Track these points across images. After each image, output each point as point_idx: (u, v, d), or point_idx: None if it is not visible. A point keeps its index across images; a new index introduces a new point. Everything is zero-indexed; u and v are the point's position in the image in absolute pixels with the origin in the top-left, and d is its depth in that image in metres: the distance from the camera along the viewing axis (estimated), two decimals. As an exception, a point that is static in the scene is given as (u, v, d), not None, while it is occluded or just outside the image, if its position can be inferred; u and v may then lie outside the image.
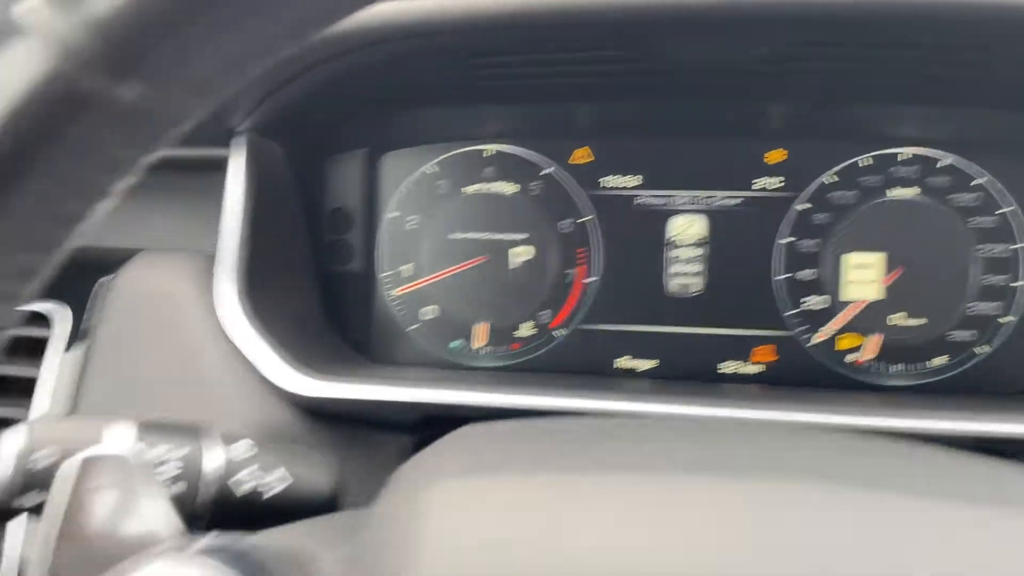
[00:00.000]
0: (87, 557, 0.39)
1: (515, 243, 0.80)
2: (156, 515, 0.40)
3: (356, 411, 0.67)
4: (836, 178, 0.75)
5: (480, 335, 0.81)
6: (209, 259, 0.73)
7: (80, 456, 0.40)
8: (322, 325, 0.79)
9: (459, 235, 0.81)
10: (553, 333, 0.79)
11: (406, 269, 0.81)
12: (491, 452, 0.38)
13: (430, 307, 0.81)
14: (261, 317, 0.69)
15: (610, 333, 0.79)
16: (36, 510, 0.45)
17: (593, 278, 0.79)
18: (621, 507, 0.33)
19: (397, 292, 0.82)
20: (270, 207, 0.74)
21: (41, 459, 0.45)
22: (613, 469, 0.36)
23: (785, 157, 0.76)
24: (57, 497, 0.39)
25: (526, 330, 0.80)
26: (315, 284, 0.80)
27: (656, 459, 0.37)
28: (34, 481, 0.45)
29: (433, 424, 0.64)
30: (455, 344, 0.81)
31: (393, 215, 0.81)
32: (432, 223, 0.81)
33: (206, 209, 0.75)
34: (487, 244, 0.80)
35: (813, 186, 0.75)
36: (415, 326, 0.81)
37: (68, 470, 0.39)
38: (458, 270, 0.81)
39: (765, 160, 0.76)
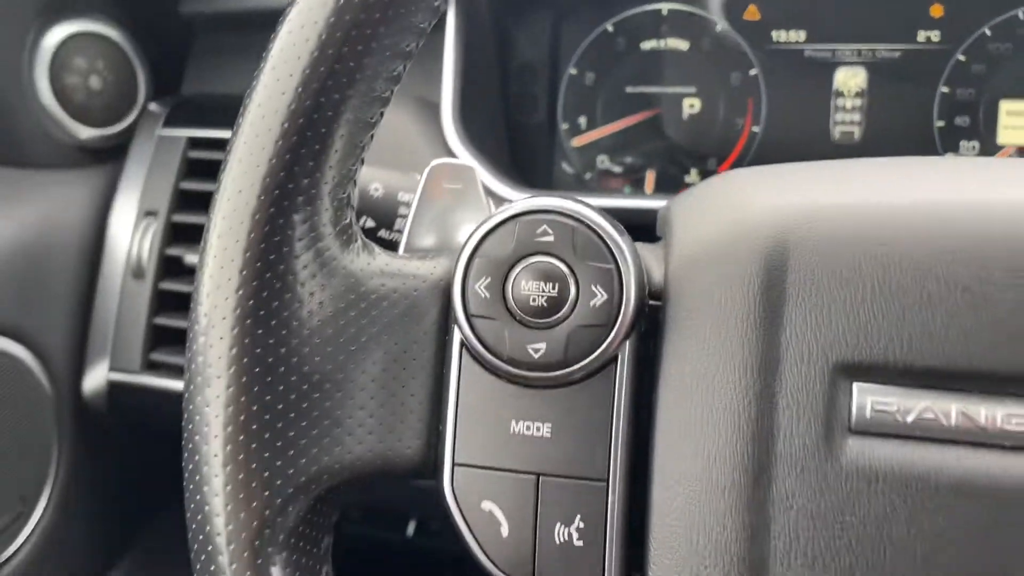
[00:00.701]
0: (432, 234, 0.48)
1: (687, 95, 0.87)
2: (483, 208, 0.49)
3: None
4: (993, 31, 0.81)
5: (650, 182, 0.89)
6: (418, 101, 0.82)
7: (433, 162, 0.49)
8: (512, 169, 0.88)
9: (634, 89, 0.89)
10: (720, 178, 0.87)
11: (584, 121, 0.90)
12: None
13: (604, 156, 0.90)
14: (475, 148, 0.79)
15: (773, 178, 0.86)
16: (370, 232, 0.54)
17: (758, 127, 0.86)
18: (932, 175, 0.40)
19: (575, 143, 0.90)
20: (475, 55, 0.82)
21: (372, 191, 0.54)
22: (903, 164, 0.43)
23: (944, 11, 0.82)
24: (420, 195, 0.48)
25: (694, 176, 0.88)
26: (505, 132, 0.89)
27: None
28: (366, 208, 0.54)
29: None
30: (627, 190, 0.89)
31: (573, 71, 0.90)
32: (609, 78, 0.89)
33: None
34: (660, 97, 0.88)
35: (972, 38, 0.82)
36: (590, 174, 0.90)
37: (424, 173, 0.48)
38: (633, 121, 0.89)
39: (930, 13, 0.82)
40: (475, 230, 0.39)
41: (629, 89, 0.89)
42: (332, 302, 0.39)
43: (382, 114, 0.40)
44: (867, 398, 0.35)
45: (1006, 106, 0.81)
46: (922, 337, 0.35)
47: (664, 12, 0.87)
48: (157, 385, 0.80)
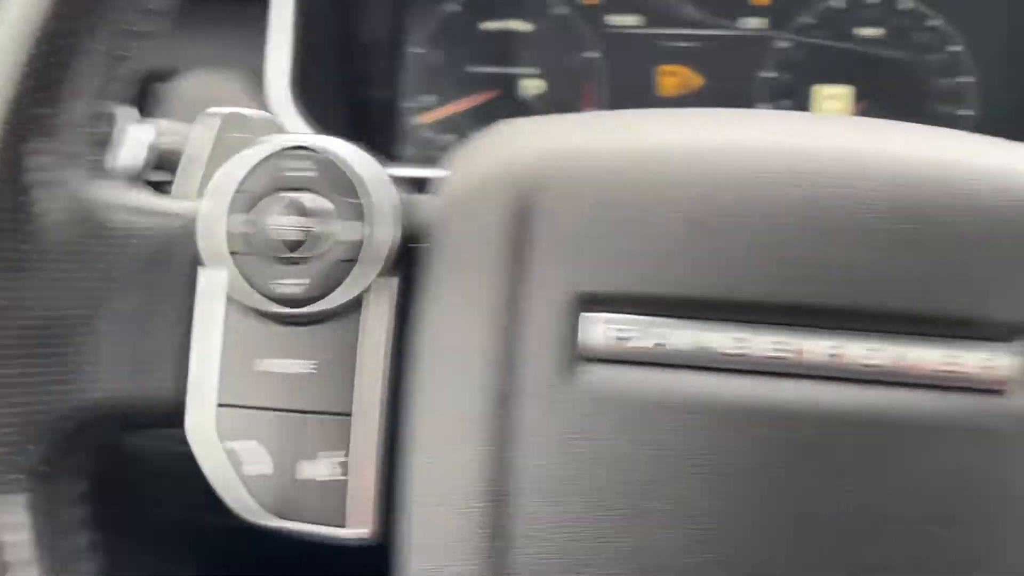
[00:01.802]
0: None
1: (529, 76, 0.89)
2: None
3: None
4: (812, 19, 0.86)
5: (494, 161, 0.90)
6: (254, 75, 0.81)
7: (225, 110, 0.48)
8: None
9: (477, 69, 0.90)
10: (561, 157, 0.89)
11: (428, 100, 0.90)
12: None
13: (449, 134, 0.90)
14: (310, 122, 0.78)
15: (611, 158, 0.88)
16: (159, 185, 0.53)
17: (597, 109, 0.89)
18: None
19: (420, 120, 0.91)
20: (312, 28, 0.82)
21: (166, 143, 0.53)
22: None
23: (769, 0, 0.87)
24: (198, 142, 0.47)
25: (536, 155, 0.89)
26: (347, 107, 0.88)
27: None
28: (159, 161, 0.53)
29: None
30: (472, 168, 0.90)
31: (416, 50, 0.90)
32: (453, 58, 0.90)
33: (245, 35, 0.83)
34: (502, 78, 0.90)
35: (794, 25, 0.86)
36: (435, 152, 0.90)
37: (210, 121, 0.48)
38: (477, 101, 0.90)
39: (755, 1, 0.86)
40: (232, 165, 0.39)
41: (473, 69, 0.90)
42: (80, 238, 0.38)
43: (139, 49, 0.39)
44: (604, 327, 0.37)
45: (824, 90, 0.86)
46: (657, 268, 0.37)
47: (526, -8, 0.89)
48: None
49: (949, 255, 0.35)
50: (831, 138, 0.38)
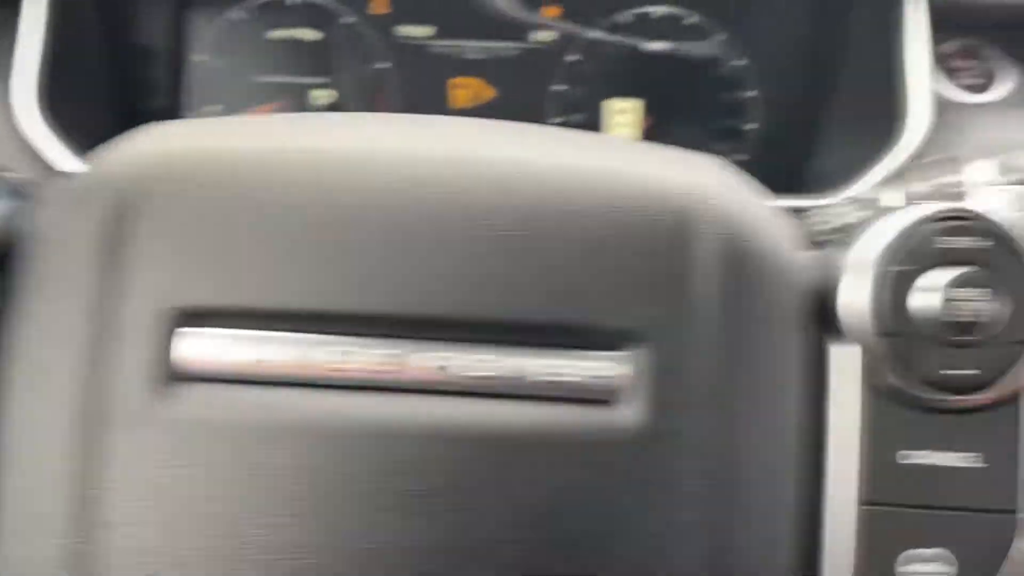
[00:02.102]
0: None
1: (319, 86, 0.86)
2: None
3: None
4: (602, 33, 0.86)
5: (284, 174, 0.86)
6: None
7: None
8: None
9: (264, 78, 0.86)
10: (352, 170, 0.86)
11: (212, 110, 0.86)
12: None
13: (236, 146, 0.86)
14: (61, 129, 0.73)
15: (405, 171, 0.86)
16: None
17: (389, 120, 0.86)
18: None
19: (204, 131, 0.86)
20: (71, 34, 0.77)
21: None
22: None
23: (559, 13, 0.86)
24: None
25: (327, 168, 0.86)
26: (118, 118, 0.83)
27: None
28: None
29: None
30: (260, 181, 0.87)
31: (200, 58, 0.86)
32: (238, 66, 0.86)
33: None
34: (291, 87, 0.86)
35: (582, 40, 0.86)
36: (222, 165, 0.86)
37: None
38: (265, 111, 0.86)
39: (542, 15, 0.86)
40: None
41: (260, 78, 0.86)
42: None
43: None
44: (201, 342, 0.34)
45: (615, 104, 0.86)
46: (259, 280, 0.34)
47: (291, 1, 0.86)
48: None
49: (555, 263, 0.34)
50: (444, 144, 0.36)
